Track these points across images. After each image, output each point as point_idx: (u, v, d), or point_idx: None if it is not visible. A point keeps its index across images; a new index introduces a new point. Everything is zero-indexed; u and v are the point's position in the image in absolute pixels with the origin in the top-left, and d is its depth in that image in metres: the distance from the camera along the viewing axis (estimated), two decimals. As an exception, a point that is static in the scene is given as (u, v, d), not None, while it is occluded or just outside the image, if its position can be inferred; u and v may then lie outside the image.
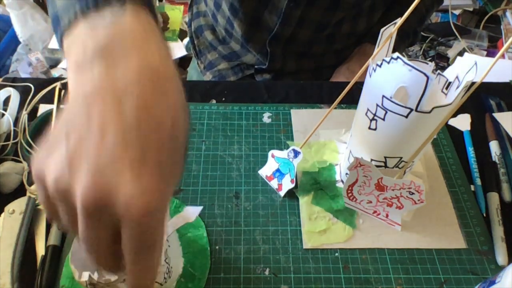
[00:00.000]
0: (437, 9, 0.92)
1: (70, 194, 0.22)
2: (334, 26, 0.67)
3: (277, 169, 0.50)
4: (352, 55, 0.74)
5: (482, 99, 0.62)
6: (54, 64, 1.38)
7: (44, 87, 0.60)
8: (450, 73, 0.39)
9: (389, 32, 0.38)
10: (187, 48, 1.36)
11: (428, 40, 1.54)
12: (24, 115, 0.56)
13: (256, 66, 0.75)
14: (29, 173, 0.49)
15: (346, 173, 0.43)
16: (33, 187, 0.48)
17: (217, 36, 0.78)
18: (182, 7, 1.41)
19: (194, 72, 0.87)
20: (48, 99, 0.59)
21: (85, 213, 0.22)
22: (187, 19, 0.93)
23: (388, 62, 0.34)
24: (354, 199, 0.46)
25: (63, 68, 1.22)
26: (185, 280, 0.42)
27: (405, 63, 0.33)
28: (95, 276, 0.32)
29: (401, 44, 0.74)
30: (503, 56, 1.23)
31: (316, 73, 0.78)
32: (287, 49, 0.71)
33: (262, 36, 0.69)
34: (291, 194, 0.49)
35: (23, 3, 1.28)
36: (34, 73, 1.16)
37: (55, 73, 1.22)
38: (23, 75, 1.13)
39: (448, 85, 0.39)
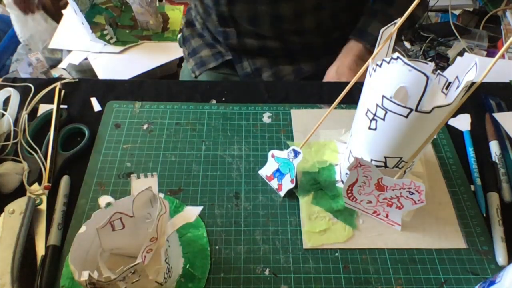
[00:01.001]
0: None
1: None
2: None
3: (277, 169, 0.50)
4: (339, 55, 0.74)
5: (482, 99, 0.62)
6: (54, 64, 1.38)
7: (44, 87, 0.60)
8: (450, 73, 0.39)
9: (389, 32, 0.38)
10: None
11: (428, 40, 1.54)
12: (24, 115, 0.56)
13: (225, 42, 0.79)
14: (29, 173, 0.49)
15: (346, 173, 0.43)
16: (33, 187, 0.48)
17: (200, 23, 0.84)
18: (182, 7, 1.41)
19: (187, 68, 0.90)
20: (48, 99, 0.59)
21: None
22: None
23: (388, 62, 0.34)
24: (354, 199, 0.46)
25: (63, 68, 1.22)
26: (185, 280, 0.42)
27: (405, 63, 0.33)
28: (95, 275, 0.32)
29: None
30: (503, 56, 1.22)
31: (287, 52, 0.79)
32: (239, 27, 0.75)
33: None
34: (291, 194, 0.49)
35: (23, 3, 1.28)
36: (34, 73, 1.16)
37: (55, 73, 1.22)
38: (23, 75, 1.13)
39: (448, 85, 0.39)
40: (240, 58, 0.81)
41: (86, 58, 1.21)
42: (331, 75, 0.72)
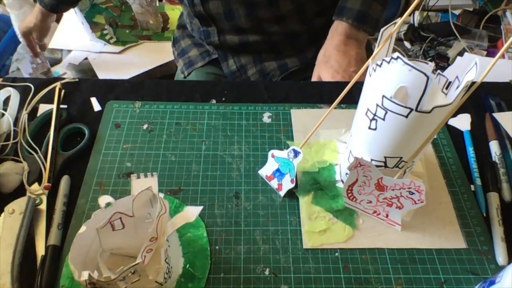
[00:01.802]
0: None
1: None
2: None
3: (277, 169, 0.50)
4: (326, 39, 0.71)
5: (482, 99, 0.62)
6: (54, 64, 1.38)
7: (44, 87, 0.60)
8: (450, 73, 0.39)
9: (389, 32, 0.38)
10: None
11: (428, 40, 1.54)
12: (24, 115, 0.56)
13: (207, 41, 0.80)
14: (29, 173, 0.49)
15: (346, 173, 0.43)
16: (33, 187, 0.48)
17: (190, 25, 0.85)
18: (182, 7, 1.41)
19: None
20: (48, 99, 0.59)
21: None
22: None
23: (388, 62, 0.34)
24: (354, 199, 0.46)
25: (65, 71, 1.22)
26: (185, 280, 0.42)
27: (405, 63, 0.33)
28: (95, 275, 0.32)
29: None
30: (503, 56, 1.22)
31: (270, 45, 0.79)
32: (219, 24, 0.76)
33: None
34: (291, 194, 0.49)
35: (23, 3, 1.28)
36: (34, 74, 1.17)
37: (58, 70, 1.21)
38: (25, 75, 1.13)
39: (448, 85, 0.39)
40: (225, 56, 0.81)
41: (86, 58, 1.21)
42: (320, 60, 0.70)
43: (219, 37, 0.78)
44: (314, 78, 0.69)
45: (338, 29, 0.69)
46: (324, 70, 0.67)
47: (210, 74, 0.84)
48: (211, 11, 0.74)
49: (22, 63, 1.16)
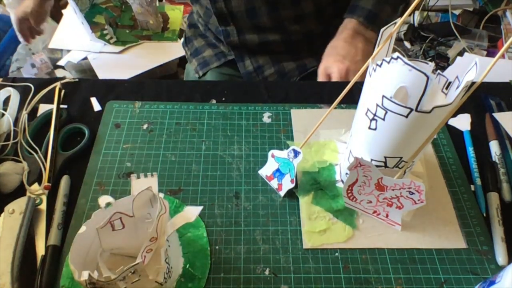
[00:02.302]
0: None
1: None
2: None
3: (277, 169, 0.50)
4: (336, 33, 0.73)
5: (482, 99, 0.62)
6: (54, 64, 1.38)
7: (44, 87, 0.60)
8: (450, 73, 0.39)
9: (389, 32, 0.38)
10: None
11: (428, 40, 1.54)
12: (24, 115, 0.56)
13: (226, 40, 0.79)
14: (29, 173, 0.49)
15: (346, 173, 0.43)
16: (33, 187, 0.48)
17: (202, 25, 0.84)
18: (182, 7, 1.40)
19: (191, 69, 0.90)
20: (48, 99, 0.59)
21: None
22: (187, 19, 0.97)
23: (388, 62, 0.34)
24: (354, 199, 0.46)
25: (63, 66, 1.22)
26: (185, 280, 0.42)
27: (405, 63, 0.33)
28: (95, 275, 0.32)
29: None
30: (503, 56, 1.22)
31: (289, 45, 0.79)
32: (239, 22, 0.75)
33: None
34: (291, 194, 0.49)
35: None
36: (39, 74, 1.16)
37: (62, 62, 1.20)
38: (26, 77, 1.13)
39: (448, 85, 0.39)
40: (242, 56, 0.81)
41: (85, 58, 1.21)
42: (327, 52, 0.71)
43: (238, 36, 0.77)
44: (320, 69, 0.69)
45: (347, 25, 0.70)
46: (331, 57, 0.68)
47: (225, 75, 0.84)
48: (233, 9, 0.73)
49: (24, 67, 1.16)
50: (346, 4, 0.75)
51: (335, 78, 0.65)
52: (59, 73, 1.23)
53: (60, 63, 1.22)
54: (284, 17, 0.74)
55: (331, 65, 0.67)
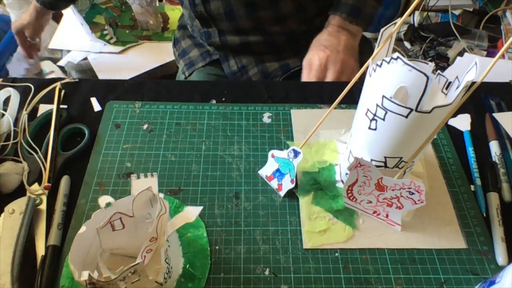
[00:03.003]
0: None
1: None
2: None
3: (277, 169, 0.50)
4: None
5: (482, 99, 0.62)
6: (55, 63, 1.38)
7: (44, 87, 0.60)
8: (450, 73, 0.39)
9: (389, 32, 0.38)
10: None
11: (428, 40, 1.54)
12: (24, 115, 0.56)
13: (208, 42, 0.80)
14: (29, 173, 0.49)
15: (346, 173, 0.43)
16: (33, 187, 0.48)
17: (190, 26, 0.85)
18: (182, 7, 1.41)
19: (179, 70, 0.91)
20: (48, 99, 0.59)
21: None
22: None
23: (388, 62, 0.34)
24: (354, 199, 0.46)
25: (61, 66, 1.22)
26: (185, 280, 0.42)
27: (405, 63, 0.33)
28: (95, 275, 0.32)
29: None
30: (503, 56, 1.23)
31: (271, 46, 0.79)
32: (219, 25, 0.76)
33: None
34: (291, 194, 0.49)
35: (23, 3, 1.28)
36: (27, 75, 1.17)
37: (62, 62, 1.20)
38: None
39: (448, 85, 0.39)
40: (226, 56, 0.82)
41: (85, 58, 1.21)
42: (311, 45, 0.71)
43: (220, 37, 0.78)
44: (304, 62, 0.69)
45: (331, 21, 0.71)
46: (314, 48, 0.69)
47: (211, 75, 0.84)
48: (212, 12, 0.74)
49: (11, 65, 1.16)
50: (328, 2, 0.75)
51: (315, 65, 0.66)
52: (46, 67, 1.23)
53: (60, 63, 1.22)
54: (264, 18, 0.74)
55: (312, 55, 0.67)
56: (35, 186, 0.48)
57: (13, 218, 0.43)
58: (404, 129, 0.37)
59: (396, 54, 0.34)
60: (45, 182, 0.48)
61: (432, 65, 0.39)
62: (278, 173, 0.50)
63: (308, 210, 0.48)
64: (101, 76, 1.17)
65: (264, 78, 0.81)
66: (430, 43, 1.54)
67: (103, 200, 0.38)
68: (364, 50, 0.76)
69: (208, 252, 0.44)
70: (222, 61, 0.82)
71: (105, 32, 1.25)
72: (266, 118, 0.58)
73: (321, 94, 0.62)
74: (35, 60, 1.12)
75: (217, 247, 0.45)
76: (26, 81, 0.61)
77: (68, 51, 1.25)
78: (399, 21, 0.37)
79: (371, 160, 0.43)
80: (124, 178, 0.51)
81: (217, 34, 0.78)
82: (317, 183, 0.50)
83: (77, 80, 0.63)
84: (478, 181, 0.51)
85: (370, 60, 0.38)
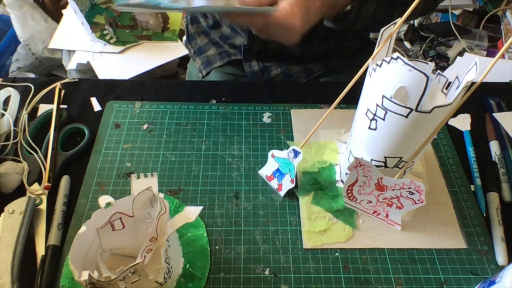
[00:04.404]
0: None
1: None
2: None
3: (277, 169, 0.50)
4: None
5: (482, 99, 0.62)
6: (54, 64, 1.38)
7: (44, 87, 0.60)
8: (450, 73, 0.39)
9: (389, 32, 0.38)
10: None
11: (428, 40, 1.54)
12: (24, 115, 0.56)
13: (244, 44, 0.76)
14: (29, 173, 0.49)
15: (346, 173, 0.43)
16: (33, 187, 0.48)
17: (208, 22, 0.81)
18: (182, 7, 1.41)
19: (193, 69, 0.88)
20: (48, 99, 0.59)
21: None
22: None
23: (388, 62, 0.34)
24: (354, 199, 0.46)
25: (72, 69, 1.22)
26: (185, 280, 0.42)
27: (405, 63, 0.33)
28: (95, 275, 0.32)
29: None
30: (503, 56, 1.23)
31: (304, 59, 0.78)
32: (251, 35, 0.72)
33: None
34: (291, 194, 0.49)
35: (23, 3, 1.28)
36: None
37: (72, 65, 1.19)
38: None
39: (448, 85, 0.39)
40: (249, 57, 0.78)
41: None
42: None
43: (249, 45, 0.75)
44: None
45: None
46: None
47: (230, 74, 0.82)
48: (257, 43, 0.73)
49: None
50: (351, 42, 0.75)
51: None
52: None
53: (70, 66, 1.22)
54: (309, 51, 0.74)
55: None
56: (35, 186, 0.48)
57: (13, 218, 0.43)
58: (404, 129, 0.37)
59: (396, 54, 0.34)
60: (45, 182, 0.48)
61: (432, 65, 0.39)
62: (278, 173, 0.50)
63: (308, 210, 0.48)
64: (101, 76, 1.17)
65: (287, 79, 0.79)
66: (430, 43, 1.54)
67: (103, 200, 0.38)
68: (365, 50, 0.76)
69: (208, 252, 0.44)
70: (245, 61, 0.79)
71: (105, 32, 1.25)
72: (266, 118, 0.58)
73: (321, 94, 0.62)
74: None
75: (217, 247, 0.45)
76: (26, 81, 0.61)
77: (69, 51, 1.25)
78: (399, 21, 0.37)
79: (371, 160, 0.43)
80: (124, 178, 0.51)
81: (247, 41, 0.75)
82: (317, 183, 0.50)
83: (77, 80, 0.63)
84: (478, 181, 0.51)
85: (370, 60, 0.38)
